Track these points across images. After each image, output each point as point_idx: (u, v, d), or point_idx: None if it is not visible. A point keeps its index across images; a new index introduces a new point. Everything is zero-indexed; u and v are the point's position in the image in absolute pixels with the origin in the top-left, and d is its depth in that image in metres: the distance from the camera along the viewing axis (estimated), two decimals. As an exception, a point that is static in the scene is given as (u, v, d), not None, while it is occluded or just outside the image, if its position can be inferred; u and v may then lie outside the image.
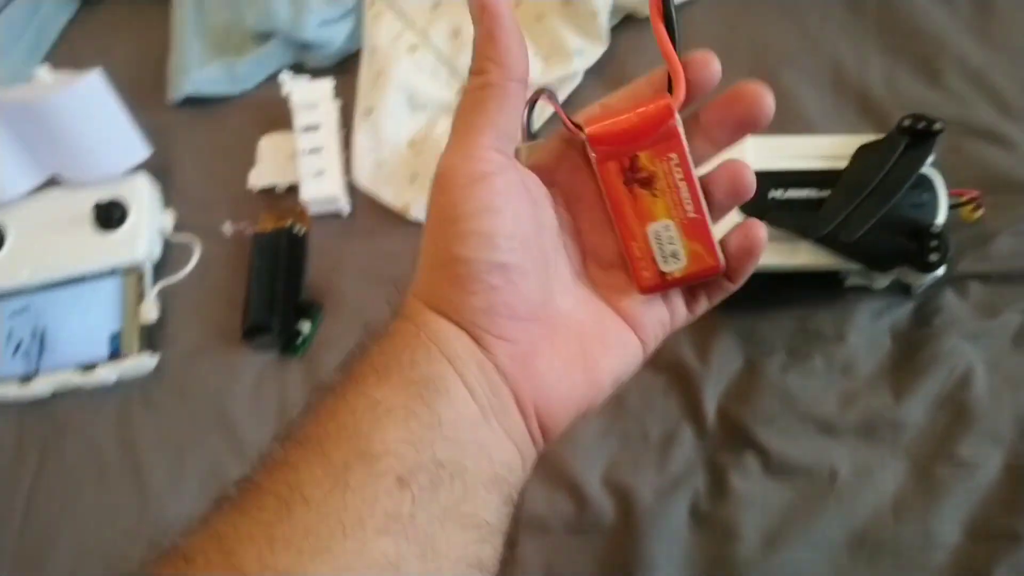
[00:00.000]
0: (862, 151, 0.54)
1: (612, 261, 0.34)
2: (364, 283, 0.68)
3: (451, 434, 0.29)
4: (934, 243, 0.50)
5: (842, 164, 0.54)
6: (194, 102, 0.77)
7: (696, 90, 0.31)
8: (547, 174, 0.34)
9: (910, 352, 0.55)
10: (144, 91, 0.78)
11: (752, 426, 0.55)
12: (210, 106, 0.77)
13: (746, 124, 0.32)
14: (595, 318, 0.34)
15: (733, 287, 0.34)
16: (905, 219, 0.52)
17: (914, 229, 0.52)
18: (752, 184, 0.32)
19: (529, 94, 0.32)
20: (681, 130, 0.31)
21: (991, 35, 0.63)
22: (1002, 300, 0.54)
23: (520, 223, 0.30)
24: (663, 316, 0.35)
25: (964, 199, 0.54)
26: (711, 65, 0.31)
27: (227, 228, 0.71)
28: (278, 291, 0.67)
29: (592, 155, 0.32)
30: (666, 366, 0.58)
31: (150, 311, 0.69)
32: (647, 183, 0.32)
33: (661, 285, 0.33)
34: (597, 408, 0.34)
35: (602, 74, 0.69)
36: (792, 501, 0.53)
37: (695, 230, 0.32)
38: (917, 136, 0.52)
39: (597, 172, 0.32)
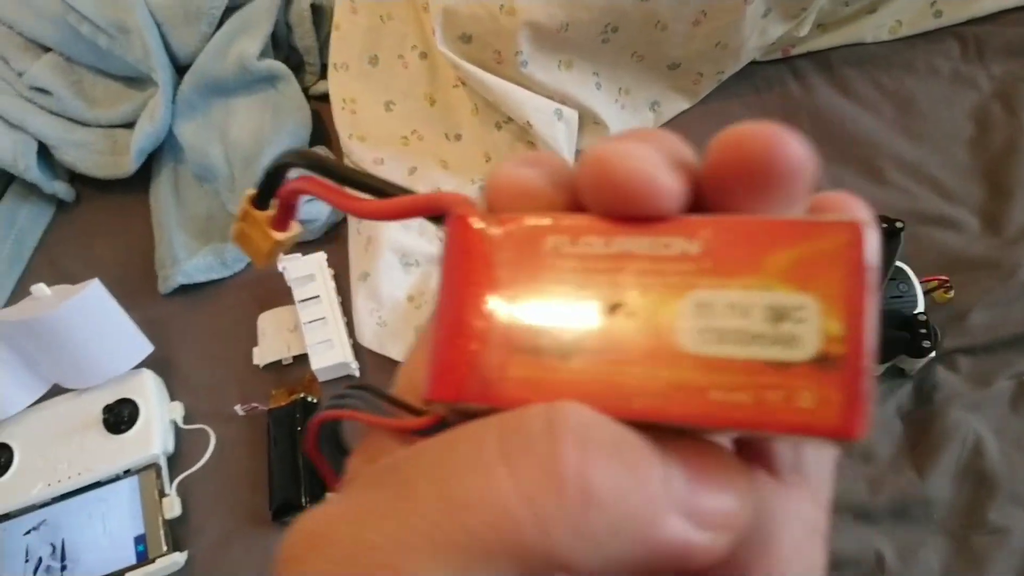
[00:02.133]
0: (839, 255, 0.59)
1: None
2: (384, 443, 0.69)
3: None
4: (923, 330, 0.55)
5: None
6: (186, 289, 0.79)
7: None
8: None
9: (921, 430, 0.59)
10: (132, 286, 0.79)
11: (791, 524, 0.58)
12: (202, 291, 0.79)
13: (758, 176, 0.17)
14: None
15: None
16: (890, 312, 0.57)
17: (901, 320, 0.57)
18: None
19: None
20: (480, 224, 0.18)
21: (917, 131, 0.71)
22: (990, 370, 0.60)
23: None
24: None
25: (935, 284, 0.60)
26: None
27: (239, 409, 0.71)
28: (301, 464, 0.68)
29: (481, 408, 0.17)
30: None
31: (173, 507, 0.68)
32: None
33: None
34: None
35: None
36: (845, 592, 0.56)
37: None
38: (883, 235, 0.58)
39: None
